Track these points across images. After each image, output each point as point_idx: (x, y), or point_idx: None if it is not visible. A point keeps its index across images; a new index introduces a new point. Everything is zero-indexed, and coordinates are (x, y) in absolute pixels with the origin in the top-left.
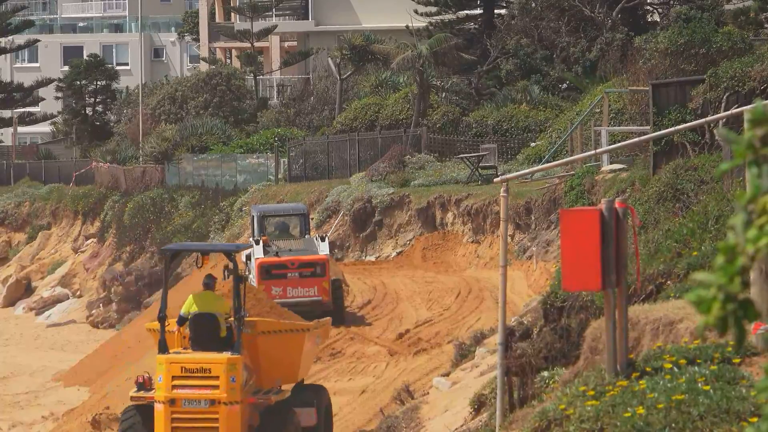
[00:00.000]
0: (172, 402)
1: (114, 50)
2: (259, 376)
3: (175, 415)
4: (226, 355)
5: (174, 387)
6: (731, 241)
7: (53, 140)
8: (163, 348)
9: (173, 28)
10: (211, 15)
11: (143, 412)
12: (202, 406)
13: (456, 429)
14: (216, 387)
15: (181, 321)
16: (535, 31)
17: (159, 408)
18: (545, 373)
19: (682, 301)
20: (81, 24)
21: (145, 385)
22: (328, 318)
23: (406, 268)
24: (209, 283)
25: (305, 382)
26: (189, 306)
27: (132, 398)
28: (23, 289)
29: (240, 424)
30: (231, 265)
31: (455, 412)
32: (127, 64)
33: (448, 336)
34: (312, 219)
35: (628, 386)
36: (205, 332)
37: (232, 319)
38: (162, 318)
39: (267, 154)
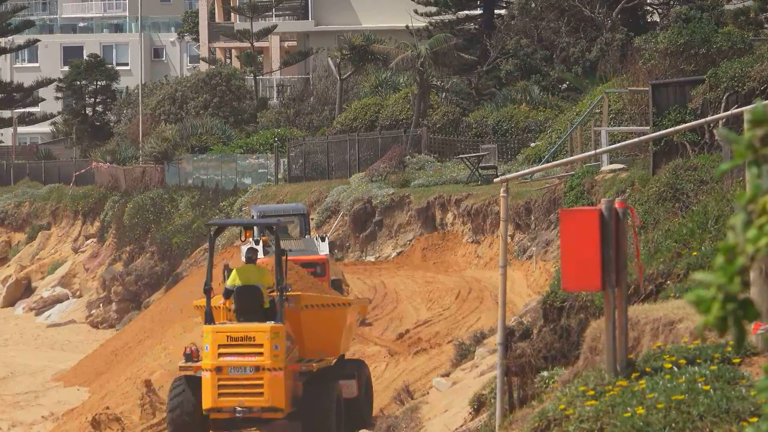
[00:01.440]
0: (218, 369)
1: (114, 50)
2: (302, 348)
3: (221, 382)
4: (269, 324)
5: (220, 355)
6: (731, 241)
7: (53, 140)
8: (210, 319)
9: (173, 28)
10: (211, 15)
11: (191, 382)
12: (247, 372)
13: (456, 429)
14: (260, 354)
15: (227, 294)
16: (534, 32)
17: (206, 376)
18: (545, 373)
19: (682, 301)
20: (81, 24)
21: (192, 356)
22: (367, 297)
23: (406, 268)
24: (252, 256)
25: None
26: (234, 279)
27: (180, 368)
28: (23, 289)
29: (283, 389)
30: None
31: (455, 412)
32: (127, 64)
33: (448, 336)
34: (312, 219)
35: (627, 386)
36: (249, 304)
37: (275, 292)
38: (207, 290)
39: (267, 155)
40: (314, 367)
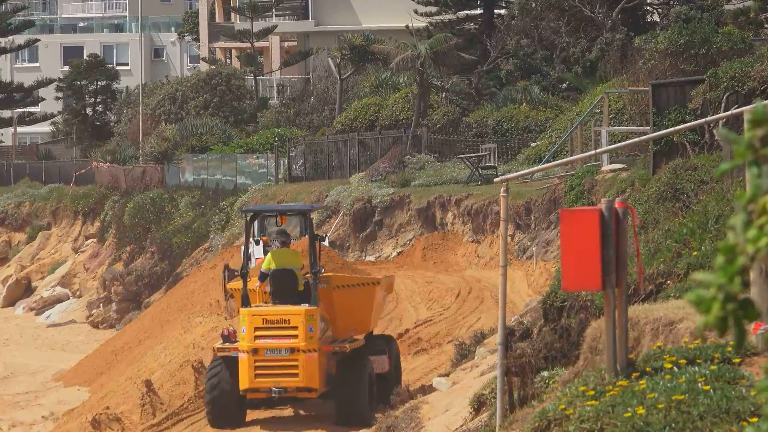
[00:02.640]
0: (254, 351)
1: (114, 50)
2: (335, 327)
3: (257, 363)
4: (303, 307)
5: (256, 338)
6: (731, 241)
7: (53, 140)
8: (246, 302)
9: (173, 28)
10: (211, 15)
11: (228, 362)
12: (282, 354)
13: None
14: (295, 336)
15: (263, 277)
16: (535, 32)
17: (243, 357)
18: (545, 373)
19: (682, 301)
20: (81, 24)
21: (229, 337)
22: (393, 274)
23: (406, 268)
24: (285, 240)
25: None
26: (268, 263)
27: (217, 350)
28: (23, 289)
29: (318, 370)
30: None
31: (455, 412)
32: (127, 64)
33: (448, 336)
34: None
35: (628, 386)
36: (284, 286)
37: (309, 274)
38: (244, 274)
39: (267, 155)
40: (348, 348)
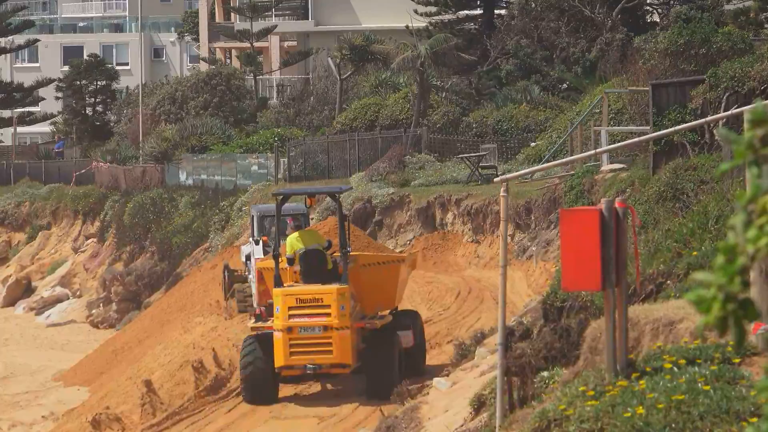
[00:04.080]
0: (289, 330)
1: (114, 50)
2: (362, 304)
3: (292, 341)
4: (335, 285)
5: (290, 316)
6: (731, 241)
7: (53, 140)
8: (279, 282)
9: (173, 28)
10: (211, 15)
11: (261, 340)
12: (316, 332)
13: (456, 429)
14: (328, 315)
15: (290, 261)
16: (534, 32)
17: (278, 336)
18: (545, 373)
19: (682, 301)
20: (81, 24)
21: (262, 316)
22: (417, 251)
23: None
24: (298, 223)
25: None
26: (292, 246)
27: (252, 329)
28: (23, 289)
29: (350, 346)
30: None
31: (455, 412)
32: (127, 64)
33: (448, 336)
34: (312, 219)
35: (628, 386)
36: (314, 266)
37: (336, 253)
38: (276, 255)
39: (267, 155)
40: (378, 324)
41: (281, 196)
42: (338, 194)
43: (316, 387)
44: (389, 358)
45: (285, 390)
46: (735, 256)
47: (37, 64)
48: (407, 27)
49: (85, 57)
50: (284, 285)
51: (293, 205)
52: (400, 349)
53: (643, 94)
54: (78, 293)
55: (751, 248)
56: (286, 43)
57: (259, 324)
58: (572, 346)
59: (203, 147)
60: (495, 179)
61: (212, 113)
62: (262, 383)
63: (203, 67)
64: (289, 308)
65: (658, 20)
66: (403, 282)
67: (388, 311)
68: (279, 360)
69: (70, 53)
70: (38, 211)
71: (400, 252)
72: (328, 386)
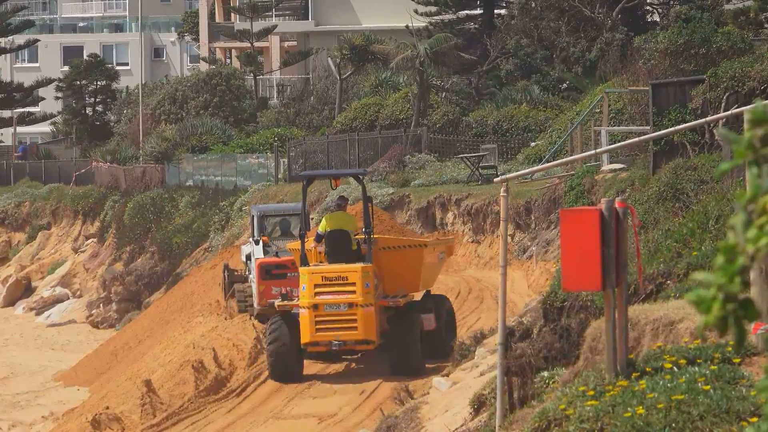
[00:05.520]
0: (315, 307)
1: (114, 50)
2: (384, 285)
3: (318, 318)
4: (360, 264)
5: (316, 294)
6: (731, 241)
7: (53, 140)
8: (304, 261)
9: (173, 28)
10: (211, 15)
11: (287, 318)
12: (341, 309)
13: (456, 429)
14: (353, 292)
15: (319, 238)
16: (535, 31)
17: (304, 313)
18: (545, 373)
19: (682, 301)
20: (81, 24)
21: (288, 296)
22: (453, 236)
23: None
24: (341, 203)
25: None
26: (324, 225)
27: (278, 307)
28: (23, 289)
29: (374, 323)
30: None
31: (455, 412)
32: (127, 64)
33: None
34: (312, 219)
35: (628, 386)
36: (339, 247)
37: (360, 235)
38: (302, 235)
39: (267, 155)
40: (401, 302)
41: (306, 179)
42: (362, 176)
43: (315, 388)
44: (411, 337)
45: (309, 368)
46: (735, 256)
47: (37, 64)
48: (407, 27)
49: (85, 57)
50: (310, 264)
51: (293, 205)
52: (422, 331)
53: (643, 94)
54: (78, 293)
55: (751, 248)
56: (286, 43)
57: (285, 302)
58: (572, 346)
59: (203, 147)
60: (495, 179)
61: (212, 113)
62: (287, 361)
63: (203, 67)
64: (315, 286)
65: (658, 20)
66: (430, 266)
67: (409, 294)
68: (305, 336)
69: (70, 53)
70: (38, 211)
71: (441, 237)
72: (352, 366)
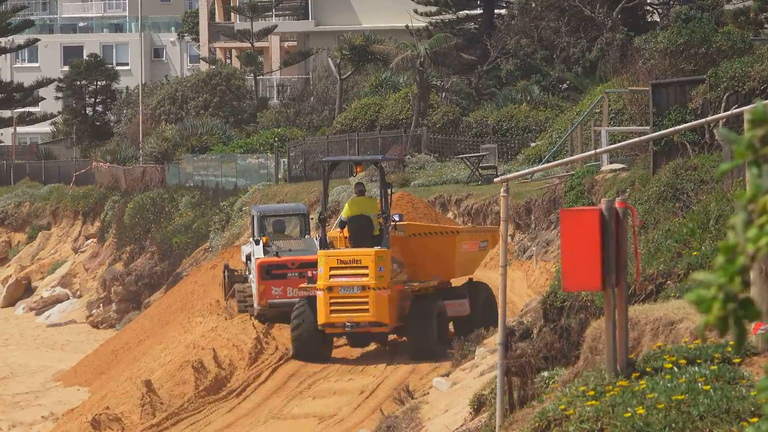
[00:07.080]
0: (329, 289)
1: (114, 50)
2: (417, 271)
3: (332, 300)
4: (374, 248)
5: (331, 276)
6: (731, 241)
7: (53, 140)
8: (325, 245)
9: (173, 28)
10: (211, 15)
11: (311, 302)
12: (354, 291)
13: (456, 429)
14: (365, 276)
15: (342, 224)
16: (535, 31)
17: (320, 294)
18: (545, 373)
19: (682, 301)
20: (81, 24)
21: (313, 279)
22: (496, 226)
23: None
24: (362, 189)
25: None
26: (347, 211)
27: (300, 289)
28: (23, 289)
29: (387, 306)
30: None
31: (455, 412)
32: (127, 64)
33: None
34: (312, 219)
35: (628, 386)
36: (361, 231)
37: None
38: (323, 220)
39: (267, 155)
40: (416, 287)
41: (328, 164)
42: (380, 162)
43: (316, 387)
44: (428, 322)
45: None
46: (735, 256)
47: (37, 64)
48: (407, 27)
49: (85, 57)
50: (336, 248)
51: (293, 205)
52: (442, 315)
53: (643, 94)
54: (78, 293)
55: (751, 248)
56: (286, 43)
57: (309, 285)
58: (572, 346)
59: (203, 147)
60: (495, 179)
61: (212, 113)
62: (310, 341)
63: (203, 67)
64: (331, 269)
65: (658, 20)
66: (467, 253)
67: (436, 280)
68: (321, 317)
69: (70, 53)
70: (38, 211)
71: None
72: (378, 347)
